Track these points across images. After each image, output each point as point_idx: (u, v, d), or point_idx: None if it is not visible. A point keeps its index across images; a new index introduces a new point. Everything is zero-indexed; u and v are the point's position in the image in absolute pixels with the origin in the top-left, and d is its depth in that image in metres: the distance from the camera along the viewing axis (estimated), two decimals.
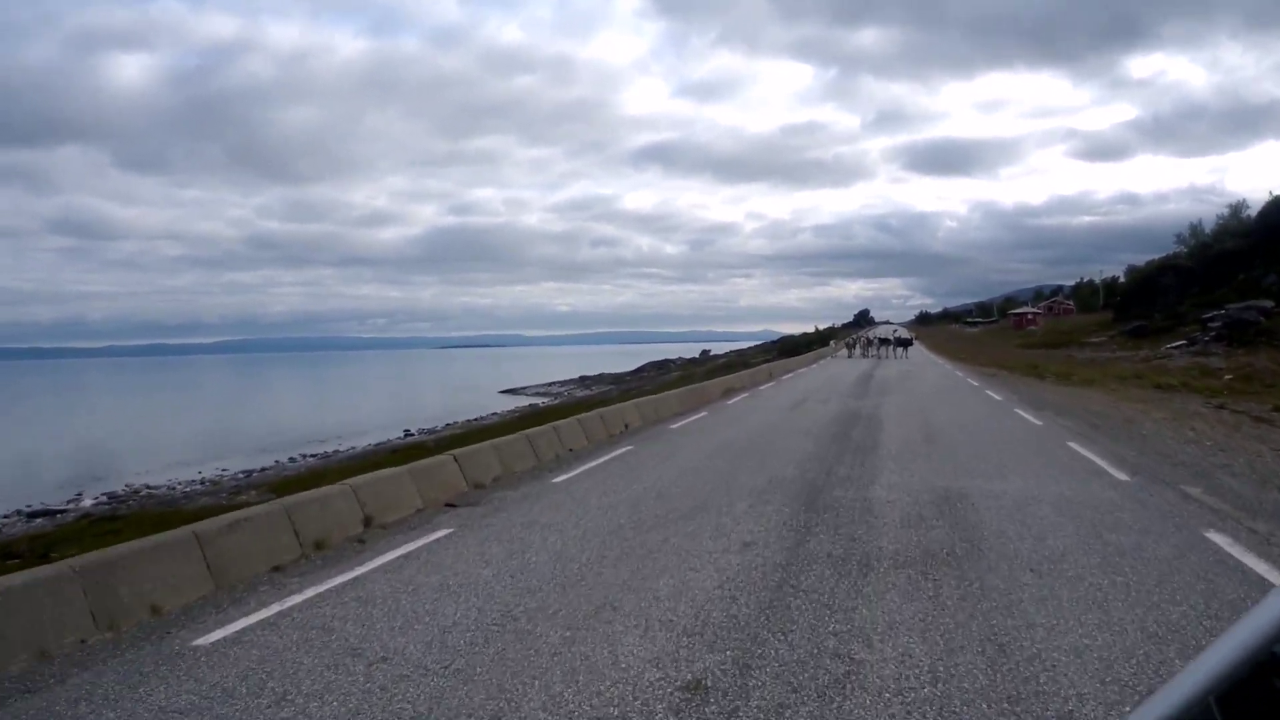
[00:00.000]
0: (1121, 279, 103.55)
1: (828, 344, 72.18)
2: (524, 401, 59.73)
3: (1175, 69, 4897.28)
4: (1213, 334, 39.73)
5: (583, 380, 75.03)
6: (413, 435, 38.98)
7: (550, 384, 75.05)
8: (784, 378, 37.78)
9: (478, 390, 75.49)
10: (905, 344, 60.93)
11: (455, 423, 42.95)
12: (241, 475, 28.13)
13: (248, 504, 14.20)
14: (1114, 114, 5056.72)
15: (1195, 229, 72.96)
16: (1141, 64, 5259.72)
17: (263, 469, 29.38)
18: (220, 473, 29.50)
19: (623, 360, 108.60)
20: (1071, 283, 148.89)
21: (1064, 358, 45.24)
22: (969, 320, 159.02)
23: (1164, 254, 72.78)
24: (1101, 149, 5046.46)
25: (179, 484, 27.03)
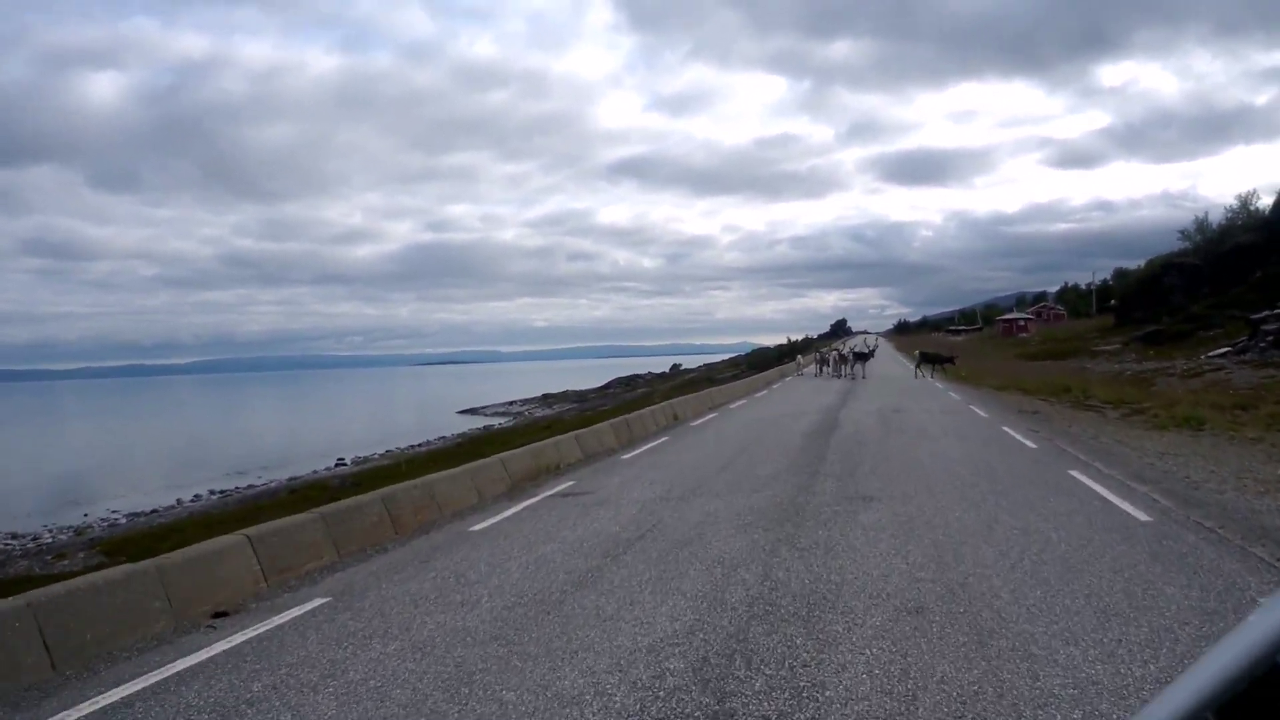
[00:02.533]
0: (1109, 282, 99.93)
1: (795, 358, 56.11)
2: (480, 422, 57.02)
3: (1147, 76, 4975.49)
4: (1270, 338, 34.32)
5: (545, 399, 72.03)
6: (344, 464, 36.31)
7: (510, 403, 71.86)
8: (695, 423, 22.24)
9: (436, 411, 72.43)
10: (939, 361, 43.01)
11: (394, 450, 40.19)
12: (124, 520, 25.21)
13: (61, 576, 11.66)
14: (1087, 122, 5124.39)
15: (1201, 224, 66.53)
16: (1113, 72, 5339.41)
17: (154, 511, 26.35)
18: (110, 514, 26.57)
19: (595, 375, 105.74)
20: (1049, 289, 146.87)
21: (1078, 370, 37.82)
22: (952, 328, 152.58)
23: (1165, 252, 66.09)
24: (1075, 156, 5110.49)
25: (51, 529, 24.02)
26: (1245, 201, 63.08)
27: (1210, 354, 36.20)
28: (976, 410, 22.81)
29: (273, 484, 30.47)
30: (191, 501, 28.48)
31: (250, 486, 30.99)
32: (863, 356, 43.45)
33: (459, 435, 43.51)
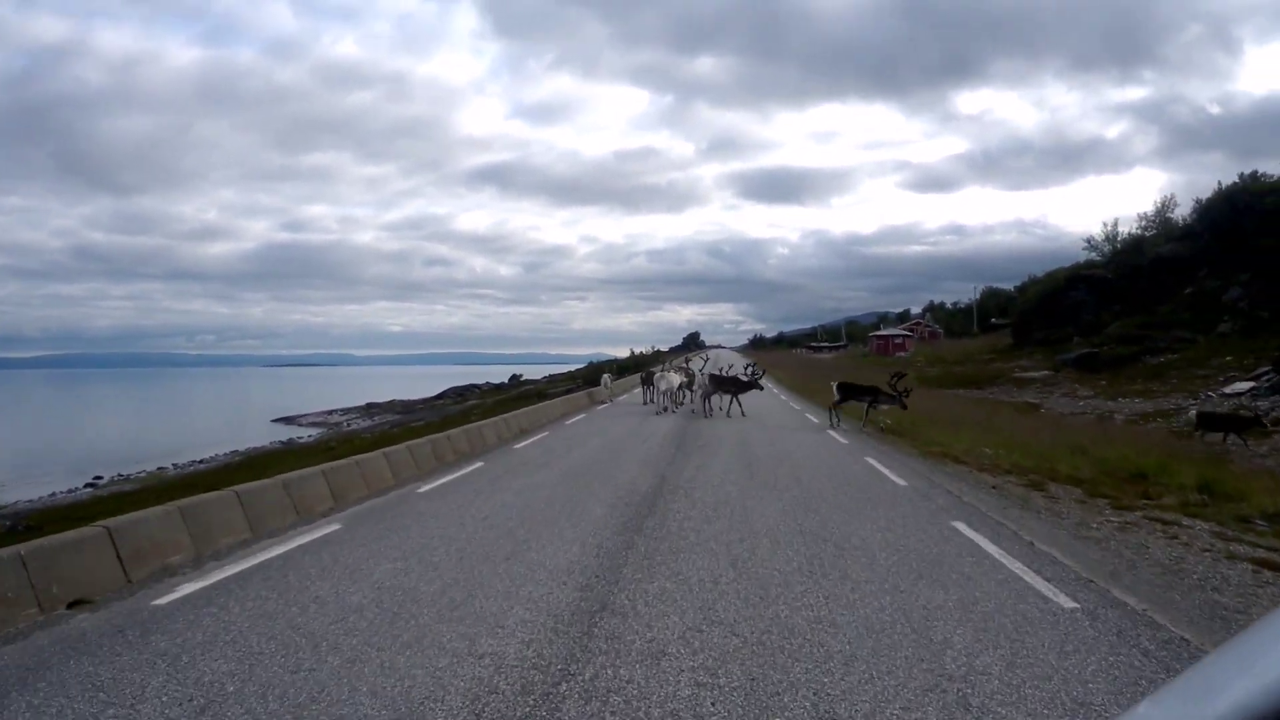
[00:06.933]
0: (976, 299, 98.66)
1: (600, 380, 40.71)
2: (291, 433, 53.91)
3: (1003, 105, 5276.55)
4: None
5: (369, 408, 68.86)
6: (100, 481, 33.10)
7: (330, 412, 68.22)
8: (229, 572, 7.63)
9: (253, 417, 68.25)
10: (875, 397, 23.11)
11: (166, 468, 37.13)
12: None
13: None
14: (944, 147, 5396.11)
15: (1109, 234, 61.42)
16: (970, 99, 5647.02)
17: None
18: None
19: (443, 382, 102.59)
20: (912, 309, 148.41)
21: (1027, 409, 29.85)
22: (813, 344, 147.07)
23: (1072, 264, 60.73)
24: (931, 181, 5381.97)
25: None
26: (1163, 209, 58.58)
27: (1224, 391, 30.02)
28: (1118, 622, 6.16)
29: None
30: None
31: None
32: (724, 383, 27.03)
33: (246, 452, 40.72)
